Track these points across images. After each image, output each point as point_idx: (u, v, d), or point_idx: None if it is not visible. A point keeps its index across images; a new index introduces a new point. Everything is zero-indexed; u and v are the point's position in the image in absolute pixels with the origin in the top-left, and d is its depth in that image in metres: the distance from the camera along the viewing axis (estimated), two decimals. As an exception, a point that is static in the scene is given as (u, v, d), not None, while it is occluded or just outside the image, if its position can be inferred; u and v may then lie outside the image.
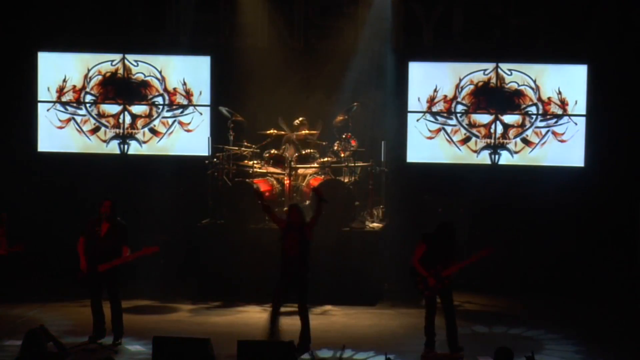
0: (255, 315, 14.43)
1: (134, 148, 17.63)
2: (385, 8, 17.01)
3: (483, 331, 14.08)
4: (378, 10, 17.02)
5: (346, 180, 16.19)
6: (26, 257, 14.96)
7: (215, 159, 16.30)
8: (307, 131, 16.54)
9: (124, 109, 17.61)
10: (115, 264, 12.84)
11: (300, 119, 16.57)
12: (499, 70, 17.00)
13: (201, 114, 17.45)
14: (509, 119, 17.08)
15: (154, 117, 17.59)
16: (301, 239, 12.53)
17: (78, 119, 17.62)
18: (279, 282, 12.64)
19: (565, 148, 16.90)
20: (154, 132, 17.60)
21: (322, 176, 16.24)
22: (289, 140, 16.54)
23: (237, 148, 16.38)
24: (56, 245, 16.21)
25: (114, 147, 17.63)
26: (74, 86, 17.58)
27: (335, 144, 16.44)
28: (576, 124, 16.85)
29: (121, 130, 17.60)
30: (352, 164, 16.25)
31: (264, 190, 15.95)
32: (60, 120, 17.61)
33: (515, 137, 17.04)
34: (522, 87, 16.97)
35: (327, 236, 14.90)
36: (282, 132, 16.51)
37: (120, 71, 17.52)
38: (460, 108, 17.11)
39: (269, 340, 11.96)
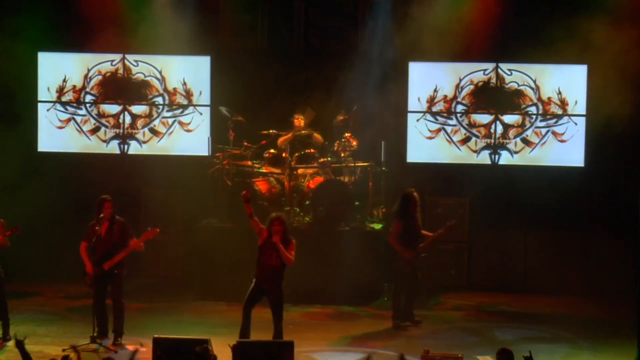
0: (255, 316, 14.40)
1: (134, 148, 17.62)
2: (385, 8, 17.00)
3: (483, 331, 14.07)
4: (378, 10, 17.02)
5: (346, 180, 16.18)
6: (25, 257, 14.96)
7: (215, 159, 16.30)
8: (305, 132, 16.55)
9: (124, 109, 17.60)
10: (118, 258, 12.92)
11: (297, 116, 16.54)
12: (499, 70, 16.99)
13: (201, 114, 17.44)
14: (509, 119, 17.07)
15: (154, 117, 17.58)
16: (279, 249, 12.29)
17: (78, 119, 17.62)
18: (252, 290, 12.49)
19: (565, 148, 16.89)
20: (154, 132, 17.60)
21: (323, 176, 16.25)
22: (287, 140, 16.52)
23: (237, 148, 16.37)
24: (56, 245, 16.21)
25: (114, 147, 17.63)
26: (74, 86, 17.57)
27: (335, 144, 16.43)
28: (576, 124, 16.84)
29: (121, 130, 17.59)
30: (352, 164, 16.25)
31: (264, 190, 15.95)
32: (60, 120, 17.61)
33: (515, 137, 17.03)
34: (522, 87, 16.96)
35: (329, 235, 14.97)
36: (282, 133, 16.50)
37: (120, 71, 17.52)
38: (460, 108, 17.10)
39: (268, 340, 11.94)
